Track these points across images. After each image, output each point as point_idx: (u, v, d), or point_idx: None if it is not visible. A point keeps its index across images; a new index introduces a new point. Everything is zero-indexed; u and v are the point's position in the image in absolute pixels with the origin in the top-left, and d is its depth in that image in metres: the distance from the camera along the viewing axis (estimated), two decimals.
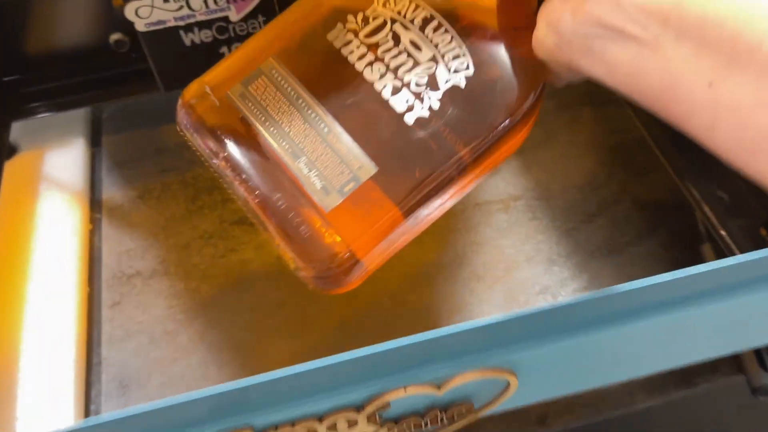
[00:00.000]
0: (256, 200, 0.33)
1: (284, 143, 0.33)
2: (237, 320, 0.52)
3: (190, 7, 0.50)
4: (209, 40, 0.53)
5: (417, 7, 0.34)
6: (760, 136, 0.23)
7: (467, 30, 0.34)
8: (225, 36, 0.53)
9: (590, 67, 0.30)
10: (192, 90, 0.36)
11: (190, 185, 0.61)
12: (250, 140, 0.34)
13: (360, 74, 0.34)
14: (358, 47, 0.34)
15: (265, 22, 0.53)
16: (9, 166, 0.62)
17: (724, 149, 0.25)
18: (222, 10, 0.51)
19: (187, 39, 0.53)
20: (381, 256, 0.35)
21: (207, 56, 0.54)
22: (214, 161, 0.34)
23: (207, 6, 0.50)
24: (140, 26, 0.51)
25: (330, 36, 0.35)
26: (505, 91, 0.33)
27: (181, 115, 0.36)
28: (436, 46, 0.34)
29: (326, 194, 0.32)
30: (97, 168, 0.64)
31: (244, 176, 0.33)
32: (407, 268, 0.54)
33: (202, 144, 0.35)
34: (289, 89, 0.34)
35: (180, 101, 0.36)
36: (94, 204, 0.61)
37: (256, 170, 0.33)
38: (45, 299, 0.54)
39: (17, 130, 0.65)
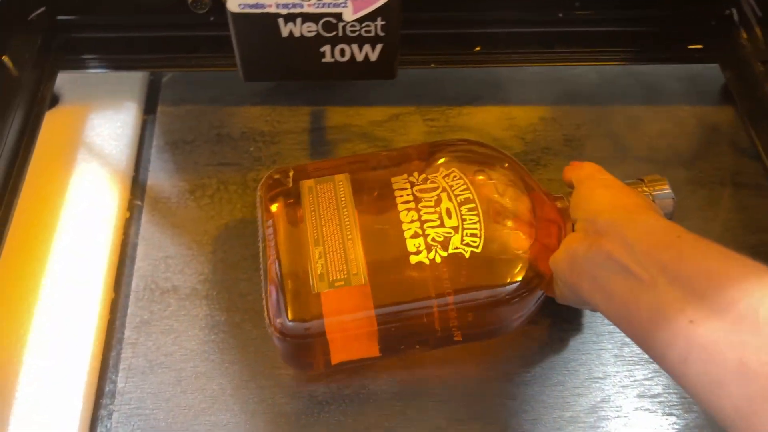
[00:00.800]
0: (274, 258, 0.40)
1: (315, 231, 0.41)
2: (281, 378, 0.43)
3: None
4: (312, 35, 0.43)
5: (466, 189, 0.42)
6: (725, 371, 0.27)
7: (500, 222, 0.41)
8: (332, 34, 0.44)
9: (590, 292, 0.35)
10: (282, 168, 0.45)
11: (251, 189, 0.51)
12: (295, 220, 0.42)
13: (398, 213, 0.42)
14: (408, 194, 0.42)
15: (383, 27, 0.43)
16: (47, 120, 0.53)
17: (693, 383, 0.28)
18: (337, 5, 0.41)
19: (285, 30, 0.43)
20: (346, 351, 0.41)
21: (303, 51, 0.45)
22: (267, 222, 0.42)
23: None
24: (233, 6, 0.41)
25: (393, 179, 0.43)
26: (499, 277, 0.40)
27: (266, 181, 0.45)
28: (463, 220, 0.41)
29: (320, 280, 0.39)
30: (146, 143, 0.55)
31: (274, 243, 0.41)
32: (471, 375, 0.44)
33: (264, 206, 0.43)
34: (343, 199, 0.42)
35: (270, 173, 0.45)
36: (137, 187, 0.52)
37: (286, 242, 0.41)
38: (60, 298, 0.45)
39: (60, 76, 0.56)
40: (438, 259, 0.40)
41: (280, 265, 0.40)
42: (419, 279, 0.39)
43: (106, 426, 0.42)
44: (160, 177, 0.52)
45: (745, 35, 0.54)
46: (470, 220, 0.41)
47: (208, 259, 0.48)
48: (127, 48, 0.55)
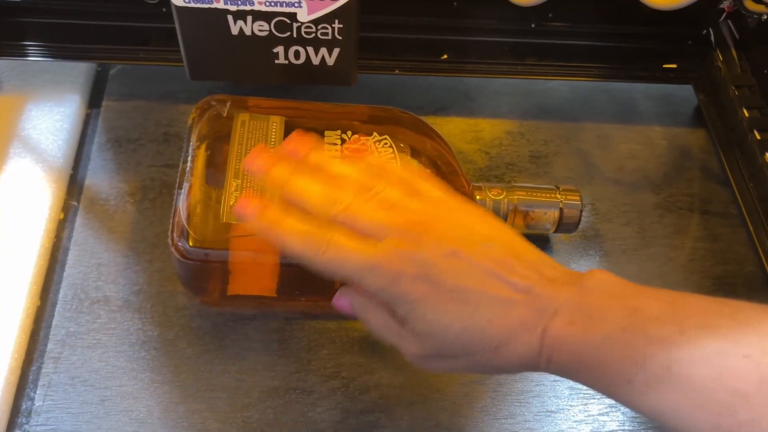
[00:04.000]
0: (189, 185, 0.40)
1: (237, 164, 0.41)
2: (214, 402, 0.40)
3: None
4: (264, 34, 0.41)
5: (393, 159, 0.42)
6: None
7: None
8: (285, 34, 0.41)
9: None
10: (221, 96, 0.44)
11: None
12: (220, 149, 0.42)
13: None
14: (336, 150, 0.42)
15: (340, 30, 0.40)
16: None
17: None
18: (290, 4, 0.38)
19: (235, 27, 0.40)
20: (244, 285, 0.42)
21: (255, 51, 0.42)
22: (193, 144, 0.42)
23: None
24: None
25: (327, 132, 0.43)
26: None
27: (202, 105, 0.44)
28: None
29: (232, 211, 0.38)
30: (88, 140, 0.51)
31: (194, 166, 0.41)
32: (417, 402, 0.42)
33: (193, 128, 0.43)
34: (272, 140, 0.42)
35: (208, 98, 0.44)
36: (73, 186, 0.49)
37: (206, 168, 0.41)
38: None
39: None
40: None
41: (195, 188, 0.40)
42: None
43: None
44: (99, 176, 0.49)
45: (720, 57, 0.52)
46: None
47: (144, 269, 0.45)
48: (72, 36, 0.51)
